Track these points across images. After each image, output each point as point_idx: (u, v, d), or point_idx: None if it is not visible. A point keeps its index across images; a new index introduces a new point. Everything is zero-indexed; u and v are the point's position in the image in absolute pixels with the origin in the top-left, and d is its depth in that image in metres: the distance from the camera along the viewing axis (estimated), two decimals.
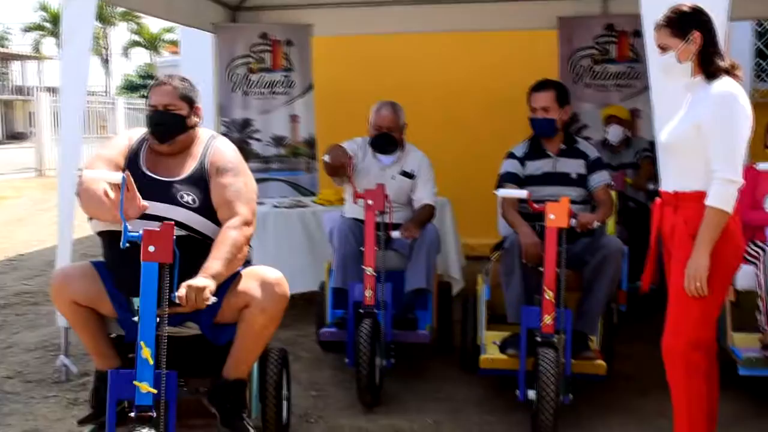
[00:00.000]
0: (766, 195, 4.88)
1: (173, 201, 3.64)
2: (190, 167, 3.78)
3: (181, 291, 3.24)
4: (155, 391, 3.18)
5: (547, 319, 4.18)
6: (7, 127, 50.20)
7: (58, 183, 5.04)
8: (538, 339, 4.17)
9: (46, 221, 12.39)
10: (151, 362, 3.17)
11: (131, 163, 3.78)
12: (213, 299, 3.31)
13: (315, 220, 6.54)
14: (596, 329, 4.70)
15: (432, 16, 7.96)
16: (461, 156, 8.61)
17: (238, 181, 3.75)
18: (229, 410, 3.62)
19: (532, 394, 4.09)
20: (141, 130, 3.96)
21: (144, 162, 3.80)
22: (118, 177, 3.42)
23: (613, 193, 5.99)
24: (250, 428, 3.64)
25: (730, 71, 3.50)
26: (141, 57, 75.74)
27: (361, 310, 4.69)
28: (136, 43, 51.45)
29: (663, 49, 3.57)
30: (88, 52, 5.10)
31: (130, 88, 58.53)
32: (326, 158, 5.08)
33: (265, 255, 6.35)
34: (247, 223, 3.66)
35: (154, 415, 3.18)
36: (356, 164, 5.41)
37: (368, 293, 4.69)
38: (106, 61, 53.05)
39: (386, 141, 5.40)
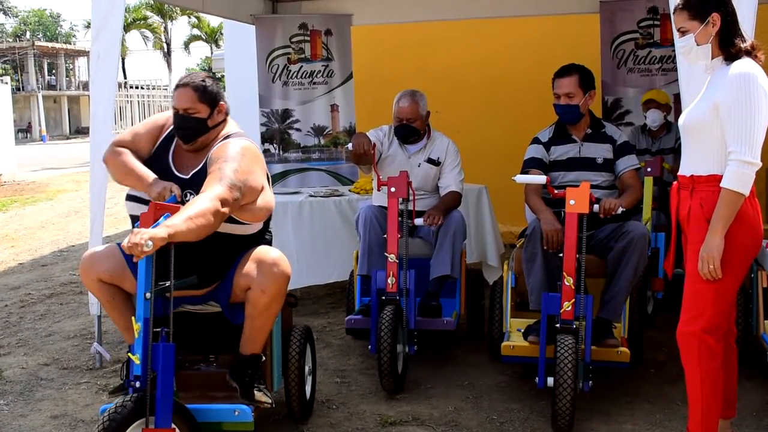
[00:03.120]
0: None
1: (182, 200, 3.75)
2: (198, 165, 3.90)
3: (126, 239, 3.25)
4: (138, 362, 3.32)
5: (567, 306, 4.14)
6: (72, 122, 51.38)
7: (90, 177, 5.13)
8: (558, 326, 4.14)
9: None
10: (136, 336, 3.33)
11: (161, 151, 3.98)
12: (149, 245, 3.18)
13: (351, 209, 6.56)
14: (621, 316, 4.62)
15: (472, 2, 7.90)
16: (502, 141, 8.56)
17: (226, 166, 3.71)
18: (247, 383, 3.80)
19: (551, 381, 4.06)
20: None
21: (172, 153, 3.98)
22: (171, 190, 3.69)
23: (650, 179, 5.95)
24: (267, 398, 3.85)
25: (750, 52, 3.42)
26: (202, 50, 76.81)
27: (383, 297, 4.70)
28: (196, 37, 52.13)
29: (682, 32, 3.50)
30: (118, 45, 5.14)
31: None
32: (349, 146, 5.13)
33: (302, 244, 6.42)
34: (221, 200, 3.55)
35: (137, 385, 3.32)
36: (382, 152, 5.42)
37: (390, 280, 4.70)
38: (167, 55, 53.85)
39: (407, 132, 5.41)
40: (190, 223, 3.39)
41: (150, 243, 3.19)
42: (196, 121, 3.91)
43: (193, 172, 3.87)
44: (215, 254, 3.81)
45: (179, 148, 4.00)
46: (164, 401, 3.31)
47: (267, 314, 3.83)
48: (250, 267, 3.80)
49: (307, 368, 4.27)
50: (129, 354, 3.39)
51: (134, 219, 3.89)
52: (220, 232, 3.73)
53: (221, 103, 3.98)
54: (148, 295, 3.35)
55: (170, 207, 3.48)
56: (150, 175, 3.83)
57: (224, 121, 4.04)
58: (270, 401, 3.86)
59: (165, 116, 4.13)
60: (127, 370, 3.88)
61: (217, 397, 3.82)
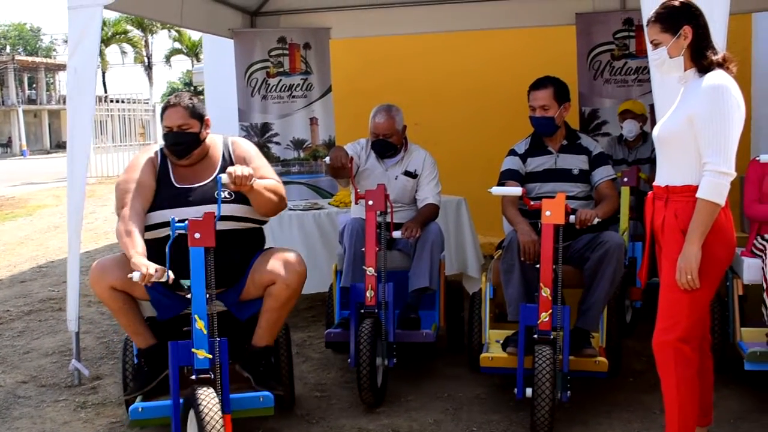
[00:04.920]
0: None
1: (212, 200, 4.09)
2: (216, 168, 4.32)
3: (231, 169, 3.96)
4: (210, 356, 3.65)
5: (544, 317, 4.16)
6: (53, 136, 51.16)
7: (67, 193, 5.12)
8: (536, 336, 4.16)
9: None
10: (205, 332, 3.65)
11: (163, 181, 4.29)
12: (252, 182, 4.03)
13: (330, 222, 6.56)
14: (598, 326, 4.65)
15: (450, 15, 7.94)
16: (480, 153, 8.57)
17: (266, 163, 4.40)
18: (261, 373, 4.17)
19: (529, 391, 4.08)
20: (155, 147, 4.42)
21: (174, 177, 4.32)
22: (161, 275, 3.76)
23: (627, 189, 5.99)
24: (280, 387, 4.26)
25: (722, 64, 3.46)
26: (183, 64, 76.78)
27: (362, 311, 4.70)
28: (177, 51, 52.05)
29: (655, 44, 3.54)
30: (95, 60, 5.12)
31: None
32: (326, 160, 5.13)
33: None
34: (281, 185, 4.32)
35: (212, 377, 3.64)
36: (359, 165, 5.43)
37: (369, 293, 4.70)
38: (148, 69, 53.71)
39: (384, 147, 5.44)
40: (266, 191, 4.15)
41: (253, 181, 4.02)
42: (191, 136, 4.28)
43: (215, 174, 4.24)
44: (237, 250, 4.24)
45: (176, 169, 4.33)
46: (227, 389, 3.69)
47: (285, 308, 4.24)
48: (275, 264, 4.20)
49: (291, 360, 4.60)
50: (195, 350, 3.62)
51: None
52: (252, 221, 4.33)
53: (207, 117, 4.37)
54: (208, 295, 3.68)
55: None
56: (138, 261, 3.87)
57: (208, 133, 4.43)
58: (281, 388, 4.25)
59: (147, 151, 4.43)
60: (138, 373, 4.23)
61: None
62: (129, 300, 4.19)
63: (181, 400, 3.67)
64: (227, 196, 4.16)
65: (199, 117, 4.30)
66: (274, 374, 4.32)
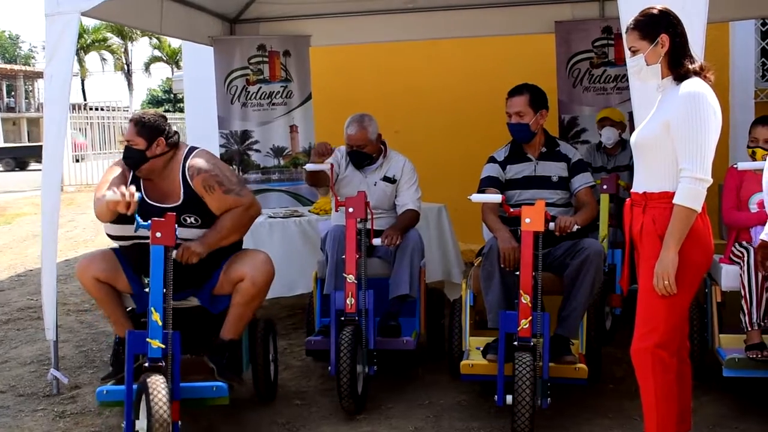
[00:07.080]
0: (751, 195, 4.81)
1: (180, 224, 4.26)
2: (179, 193, 4.46)
3: (180, 251, 4.20)
4: (164, 346, 3.89)
5: (524, 324, 4.17)
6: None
7: (41, 200, 5.10)
8: (516, 343, 4.17)
9: (59, 236, 12.44)
10: (160, 323, 3.90)
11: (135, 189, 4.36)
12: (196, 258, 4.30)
13: (312, 228, 6.53)
14: (578, 333, 4.67)
15: (430, 23, 7.95)
16: (461, 160, 8.58)
17: (226, 181, 4.49)
18: (224, 365, 4.35)
19: (509, 398, 4.08)
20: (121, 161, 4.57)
21: (143, 190, 4.46)
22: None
23: (606, 196, 6.02)
24: (239, 379, 4.45)
25: (699, 72, 3.49)
26: (163, 71, 76.63)
27: (342, 318, 4.69)
28: (157, 59, 51.84)
29: (633, 51, 3.56)
30: (70, 67, 5.10)
31: (155, 102, 59.05)
32: (307, 167, 5.12)
33: None
34: (249, 206, 4.54)
35: (163, 365, 3.87)
36: (338, 173, 5.42)
37: (349, 301, 4.69)
38: (128, 76, 53.49)
39: (359, 158, 5.45)
40: (223, 241, 4.49)
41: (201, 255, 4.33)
42: (136, 152, 4.45)
43: (180, 201, 4.43)
44: (213, 255, 4.48)
45: (145, 182, 4.52)
46: (177, 378, 3.96)
47: (252, 304, 4.51)
48: (244, 263, 4.51)
49: (270, 355, 4.82)
50: (149, 339, 3.88)
51: (114, 238, 4.54)
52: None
53: (159, 138, 4.46)
54: (165, 290, 3.93)
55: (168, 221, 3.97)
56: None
57: (170, 151, 4.52)
58: (239, 381, 4.45)
59: (119, 167, 4.59)
60: (115, 359, 4.60)
61: (194, 379, 4.26)
62: (112, 291, 4.53)
63: (135, 386, 3.89)
64: (194, 222, 4.45)
65: (148, 136, 4.43)
66: (236, 367, 4.52)
